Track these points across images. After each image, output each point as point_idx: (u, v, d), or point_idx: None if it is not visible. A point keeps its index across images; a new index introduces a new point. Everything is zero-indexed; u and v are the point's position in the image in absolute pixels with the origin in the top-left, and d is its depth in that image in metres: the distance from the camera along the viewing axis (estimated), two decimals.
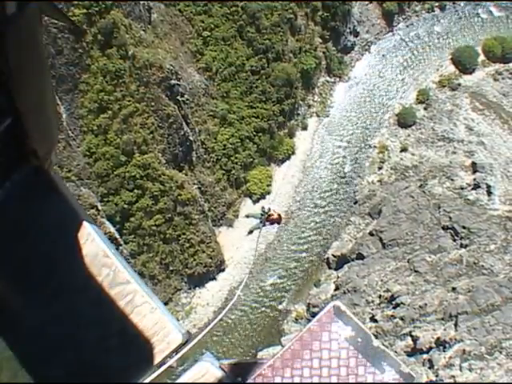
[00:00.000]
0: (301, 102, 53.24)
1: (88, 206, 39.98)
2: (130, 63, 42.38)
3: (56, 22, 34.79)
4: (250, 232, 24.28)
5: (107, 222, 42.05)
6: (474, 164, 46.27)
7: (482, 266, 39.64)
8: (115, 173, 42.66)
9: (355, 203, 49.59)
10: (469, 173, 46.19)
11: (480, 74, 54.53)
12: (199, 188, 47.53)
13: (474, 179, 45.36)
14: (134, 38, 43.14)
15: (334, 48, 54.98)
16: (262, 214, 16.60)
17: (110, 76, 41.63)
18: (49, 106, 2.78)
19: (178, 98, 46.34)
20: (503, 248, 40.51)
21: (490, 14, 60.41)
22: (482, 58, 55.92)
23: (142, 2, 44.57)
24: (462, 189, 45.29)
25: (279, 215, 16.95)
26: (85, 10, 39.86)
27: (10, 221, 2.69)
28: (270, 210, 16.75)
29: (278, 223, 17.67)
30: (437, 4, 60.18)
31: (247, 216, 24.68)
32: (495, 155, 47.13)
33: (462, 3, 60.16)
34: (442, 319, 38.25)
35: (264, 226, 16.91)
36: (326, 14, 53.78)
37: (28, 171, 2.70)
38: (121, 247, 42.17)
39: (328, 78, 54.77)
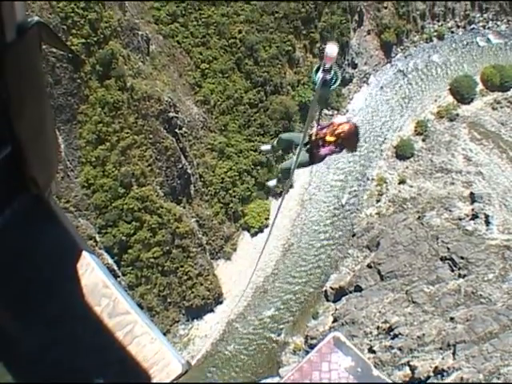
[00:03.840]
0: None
1: (86, 237, 42.44)
2: (129, 95, 45.44)
3: (55, 51, 37.99)
4: (279, 182, 14.99)
5: (105, 254, 44.62)
6: (472, 194, 49.78)
7: (480, 295, 42.03)
8: (113, 205, 45.45)
9: (353, 236, 52.37)
10: (467, 203, 49.71)
11: (478, 104, 58.04)
12: (197, 221, 50.19)
13: (473, 209, 48.63)
14: (133, 70, 46.35)
15: None
16: (306, 144, 10.72)
17: (108, 107, 44.56)
18: (49, 134, 2.89)
19: (176, 130, 49.46)
20: (501, 277, 43.06)
21: (488, 42, 64.60)
22: (480, 87, 59.76)
23: (140, 34, 47.81)
24: (461, 219, 48.48)
25: (353, 126, 10.83)
26: (83, 40, 42.80)
27: (10, 248, 2.76)
28: (320, 129, 10.76)
29: (353, 149, 11.65)
30: (435, 34, 64.09)
31: (261, 152, 18.11)
32: (493, 185, 50.89)
33: (460, 32, 64.40)
34: (440, 348, 40.40)
35: (312, 163, 11.07)
36: (324, 46, 56.60)
37: (28, 199, 2.78)
38: (119, 279, 44.57)
39: (326, 111, 56.79)
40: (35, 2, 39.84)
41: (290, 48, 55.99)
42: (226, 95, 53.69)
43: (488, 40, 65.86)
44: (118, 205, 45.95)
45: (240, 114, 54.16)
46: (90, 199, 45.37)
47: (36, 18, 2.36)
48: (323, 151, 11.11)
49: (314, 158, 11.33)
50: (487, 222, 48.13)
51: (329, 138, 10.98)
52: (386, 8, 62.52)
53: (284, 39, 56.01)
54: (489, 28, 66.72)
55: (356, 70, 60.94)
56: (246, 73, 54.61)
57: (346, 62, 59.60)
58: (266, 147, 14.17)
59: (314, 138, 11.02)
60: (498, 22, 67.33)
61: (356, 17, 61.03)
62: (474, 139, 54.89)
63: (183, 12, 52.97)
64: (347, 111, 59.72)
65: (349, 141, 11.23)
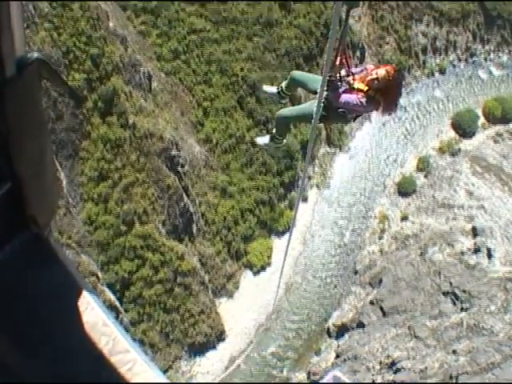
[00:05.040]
0: (301, 174, 58.81)
1: (88, 274, 44.22)
2: (131, 132, 47.22)
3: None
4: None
5: (107, 290, 46.31)
6: (474, 228, 52.78)
7: (482, 327, 44.71)
8: (115, 242, 47.26)
9: (356, 273, 55.49)
10: (469, 237, 52.63)
11: (480, 137, 61.97)
12: (199, 259, 52.47)
13: (475, 243, 51.58)
14: (135, 107, 48.03)
15: None
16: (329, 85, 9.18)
17: (110, 144, 46.14)
18: (49, 172, 2.96)
19: (179, 169, 51.41)
20: (503, 308, 45.69)
21: (490, 74, 68.88)
22: (482, 120, 63.73)
23: (142, 70, 49.83)
24: (463, 254, 51.41)
25: (392, 70, 9.30)
26: (85, 75, 44.52)
27: (8, 285, 2.80)
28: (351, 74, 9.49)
29: (389, 107, 9.59)
30: (437, 68, 67.98)
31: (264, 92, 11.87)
32: (495, 218, 53.80)
33: (462, 65, 68.62)
34: (443, 380, 42.69)
35: (323, 119, 9.51)
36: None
37: (27, 237, 2.83)
38: (121, 315, 46.44)
39: (328, 149, 61.18)
40: (37, 35, 41.20)
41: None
42: (228, 134, 55.92)
43: (490, 72, 69.95)
44: (120, 242, 47.68)
45: (242, 152, 56.41)
46: (92, 236, 46.93)
47: (36, 54, 2.43)
48: (344, 97, 9.27)
49: (328, 110, 9.24)
50: (489, 255, 51.03)
51: (357, 85, 9.32)
52: (387, 44, 66.22)
53: (286, 76, 56.95)
54: (490, 60, 70.90)
55: None
56: (248, 111, 56.99)
57: None
58: (270, 89, 11.54)
59: (335, 76, 9.12)
60: (500, 53, 71.61)
61: (358, 53, 64.04)
62: (475, 173, 58.33)
63: (185, 49, 55.28)
64: (349, 149, 62.75)
65: (385, 93, 9.32)
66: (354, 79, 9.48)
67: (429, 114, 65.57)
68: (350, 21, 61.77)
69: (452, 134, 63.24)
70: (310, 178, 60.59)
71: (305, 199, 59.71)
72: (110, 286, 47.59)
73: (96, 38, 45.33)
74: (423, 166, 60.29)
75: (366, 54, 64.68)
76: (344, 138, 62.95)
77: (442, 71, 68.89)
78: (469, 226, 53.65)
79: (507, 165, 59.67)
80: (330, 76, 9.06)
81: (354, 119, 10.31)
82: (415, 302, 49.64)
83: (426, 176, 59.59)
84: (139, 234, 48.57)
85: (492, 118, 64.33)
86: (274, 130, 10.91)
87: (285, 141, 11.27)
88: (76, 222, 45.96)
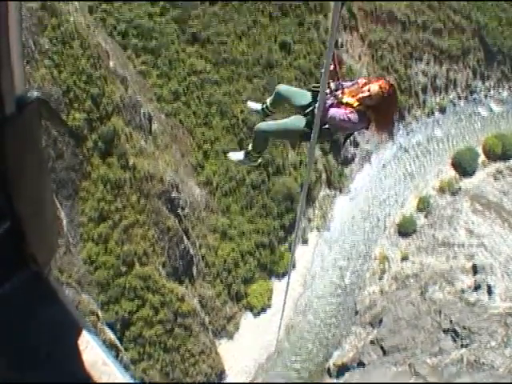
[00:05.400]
0: (301, 216, 60.01)
1: (88, 313, 44.55)
2: (131, 174, 47.81)
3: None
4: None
5: (107, 329, 46.72)
6: (474, 266, 53.94)
7: (483, 362, 45.56)
8: (116, 282, 47.86)
9: (356, 314, 56.71)
10: (469, 275, 53.70)
11: (480, 175, 63.98)
12: (200, 301, 53.07)
13: (475, 281, 52.73)
14: (135, 148, 48.79)
15: (334, 160, 62.86)
16: (307, 105, 9.03)
17: (110, 185, 46.94)
18: (49, 210, 3.04)
19: (179, 211, 52.15)
20: (503, 343, 46.61)
21: (490, 111, 70.87)
22: (482, 158, 65.76)
23: (142, 111, 50.66)
24: (463, 291, 52.49)
25: (387, 85, 8.60)
26: (85, 115, 45.24)
27: (9, 323, 2.85)
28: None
29: (384, 125, 9.10)
30: (437, 107, 69.72)
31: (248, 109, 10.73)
32: (495, 255, 54.89)
33: (462, 103, 70.57)
34: None
35: (308, 135, 7.91)
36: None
37: (27, 275, 2.86)
38: (121, 354, 46.85)
39: (328, 191, 62.42)
40: (37, 71, 42.03)
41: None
42: (229, 177, 56.84)
43: (490, 109, 71.86)
44: (120, 282, 48.28)
45: (242, 195, 57.26)
46: (92, 275, 47.63)
47: (36, 93, 2.49)
48: (331, 112, 8.60)
49: (313, 126, 7.11)
50: (489, 292, 52.18)
51: (347, 99, 8.70)
52: None
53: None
54: (491, 96, 72.84)
55: (358, 149, 65.56)
56: None
57: (348, 141, 62.60)
58: (254, 105, 10.83)
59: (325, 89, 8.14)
60: (500, 89, 73.63)
61: None
62: (476, 211, 59.89)
63: (185, 90, 56.41)
64: (349, 191, 64.13)
65: (379, 110, 8.61)
66: (343, 93, 8.86)
67: (429, 153, 67.37)
68: (350, 61, 64.25)
69: (452, 173, 65.11)
70: (310, 220, 61.87)
71: (305, 241, 60.93)
72: (110, 326, 47.91)
73: (96, 78, 46.36)
74: (423, 205, 62.05)
75: None
76: (344, 180, 64.28)
77: (442, 110, 70.63)
78: (469, 264, 54.81)
79: (507, 201, 61.42)
80: (317, 87, 8.66)
81: (345, 140, 9.93)
82: (415, 340, 50.47)
83: (426, 216, 61.11)
84: (139, 275, 49.10)
85: (492, 155, 66.31)
86: (250, 146, 9.95)
87: (260, 159, 10.34)
88: (76, 261, 46.46)
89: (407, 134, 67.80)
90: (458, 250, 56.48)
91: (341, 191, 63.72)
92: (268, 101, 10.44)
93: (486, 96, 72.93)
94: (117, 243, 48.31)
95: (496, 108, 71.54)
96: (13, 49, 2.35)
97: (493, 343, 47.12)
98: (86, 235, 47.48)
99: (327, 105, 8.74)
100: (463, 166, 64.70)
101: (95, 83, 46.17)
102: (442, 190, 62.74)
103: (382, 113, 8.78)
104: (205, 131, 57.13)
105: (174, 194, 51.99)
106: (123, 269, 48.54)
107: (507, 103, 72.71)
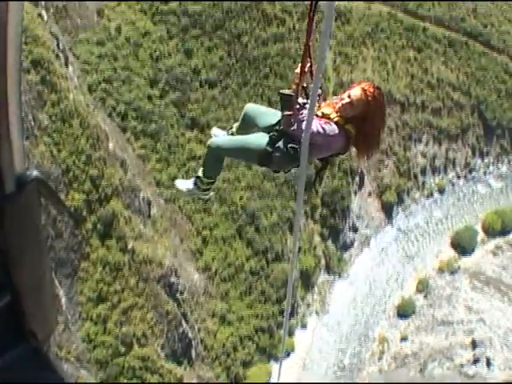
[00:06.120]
0: (300, 302, 61.82)
1: None
2: (130, 257, 49.47)
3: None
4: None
5: None
6: (473, 341, 56.02)
7: None
8: (114, 361, 49.07)
9: None
10: (468, 350, 56.11)
11: (479, 253, 67.22)
12: (199, 382, 54.55)
13: (474, 355, 54.86)
14: (134, 232, 50.40)
15: (333, 245, 65.24)
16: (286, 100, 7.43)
17: (109, 267, 48.15)
18: (48, 288, 3.11)
19: (178, 295, 53.98)
20: None
21: (489, 187, 73.74)
22: (481, 235, 68.81)
23: (141, 196, 52.77)
24: (462, 365, 54.69)
25: (371, 90, 7.62)
26: (85, 196, 46.35)
27: None
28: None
29: (368, 146, 8.23)
30: (436, 188, 72.44)
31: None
32: (495, 328, 57.31)
33: (461, 182, 73.44)
34: None
35: (271, 158, 7.82)
36: (325, 212, 64.35)
37: (27, 350, 2.90)
38: None
39: (327, 276, 64.66)
40: (37, 148, 43.11)
41: (290, 214, 61.62)
42: (228, 263, 58.86)
43: (489, 185, 74.53)
44: (119, 362, 49.42)
45: (241, 281, 59.13)
46: (91, 353, 48.69)
47: (35, 173, 2.57)
48: (302, 125, 7.13)
49: (275, 145, 7.70)
50: (488, 364, 53.63)
51: (324, 110, 7.82)
52: (386, 167, 70.73)
53: (285, 205, 62.01)
54: (490, 173, 75.43)
55: (357, 233, 68.06)
56: (247, 240, 60.07)
57: (347, 227, 67.04)
58: (219, 132, 9.50)
59: (296, 93, 7.31)
60: (499, 164, 76.25)
61: (357, 179, 68.35)
62: (475, 288, 63.38)
63: (184, 176, 55.44)
64: (348, 275, 66.49)
65: (363, 120, 7.68)
66: (319, 104, 7.81)
67: (428, 235, 70.23)
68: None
69: (451, 252, 68.17)
70: (308, 305, 63.80)
71: (304, 326, 62.88)
72: None
73: (96, 159, 48.12)
74: (423, 287, 65.11)
75: (365, 179, 69.40)
76: (343, 265, 66.55)
77: (441, 191, 73.15)
78: (468, 339, 57.35)
79: (506, 275, 64.77)
80: (290, 95, 7.29)
81: (317, 175, 9.24)
82: None
83: (425, 296, 63.86)
84: (138, 356, 50.41)
85: (491, 232, 69.34)
86: (200, 170, 8.75)
87: (211, 192, 9.22)
88: (75, 339, 47.58)
89: (406, 217, 70.70)
90: (457, 326, 58.69)
91: (340, 276, 66.04)
92: (235, 126, 9.14)
93: (485, 173, 75.79)
94: (115, 324, 49.61)
95: (495, 184, 74.84)
96: (12, 123, 2.44)
97: None
98: (85, 314, 48.63)
99: (300, 117, 7.30)
100: (462, 245, 67.93)
101: (94, 165, 47.97)
102: (441, 270, 65.60)
103: (367, 125, 7.66)
104: (204, 217, 59.32)
105: (172, 279, 53.71)
106: (122, 349, 49.76)
107: (506, 178, 75.79)
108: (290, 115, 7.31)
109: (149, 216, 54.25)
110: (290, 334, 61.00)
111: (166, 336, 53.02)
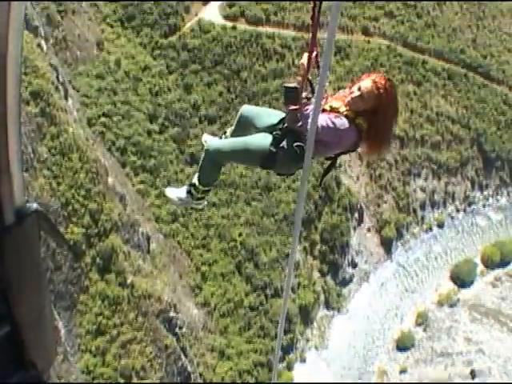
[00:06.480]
0: (299, 336, 62.85)
1: None
2: (129, 292, 50.17)
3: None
4: None
5: None
6: (472, 371, 57.01)
7: None
8: None
9: None
10: (468, 380, 56.65)
11: (479, 285, 69.14)
12: None
13: None
14: (133, 266, 51.37)
15: (332, 281, 66.40)
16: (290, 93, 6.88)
17: (108, 301, 48.81)
18: (47, 320, 3.14)
19: (177, 330, 54.89)
20: None
21: (488, 220, 75.67)
22: (481, 268, 70.70)
23: (140, 231, 53.81)
24: None
25: (382, 81, 7.20)
26: (84, 230, 47.30)
27: None
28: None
29: (379, 144, 7.48)
30: (435, 222, 73.89)
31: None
32: (494, 358, 58.89)
33: (461, 215, 75.46)
34: None
35: (274, 159, 7.35)
36: (324, 248, 65.55)
37: (27, 379, 2.89)
38: None
39: (326, 312, 65.94)
40: (36, 181, 43.71)
41: (289, 251, 59.19)
42: (227, 298, 60.13)
43: (488, 218, 76.27)
44: None
45: (240, 316, 60.30)
46: None
47: (35, 205, 2.62)
48: (308, 120, 6.47)
49: (280, 145, 7.28)
50: None
51: (333, 103, 7.38)
52: (385, 202, 72.35)
53: (284, 242, 63.10)
54: (489, 205, 77.33)
55: (356, 269, 69.44)
56: (246, 276, 61.34)
57: (346, 262, 68.47)
58: (211, 139, 8.73)
59: (301, 87, 6.86)
60: (498, 197, 78.26)
61: (356, 214, 69.80)
62: (474, 320, 65.60)
63: (183, 212, 60.33)
64: (348, 311, 67.60)
65: (374, 114, 7.23)
66: (326, 98, 7.44)
67: (427, 269, 71.99)
68: (349, 181, 68.00)
69: (451, 285, 70.12)
70: (308, 340, 65.03)
71: (303, 360, 64.17)
72: None
73: (95, 193, 49.26)
74: (422, 320, 66.97)
75: (365, 215, 70.98)
76: (342, 300, 67.85)
77: (441, 225, 74.92)
78: (468, 370, 57.68)
79: (505, 306, 66.77)
80: (295, 88, 6.78)
81: (326, 173, 8.05)
82: None
83: (424, 329, 65.57)
84: None
85: (490, 264, 71.14)
86: (195, 177, 8.27)
87: (205, 202, 8.73)
88: (74, 370, 47.81)
89: (405, 252, 72.41)
90: (457, 357, 59.98)
91: (339, 311, 67.43)
92: (228, 131, 8.60)
93: (484, 205, 77.63)
94: (114, 357, 50.37)
95: (494, 216, 76.71)
96: (12, 155, 2.49)
97: None
98: (84, 346, 49.31)
99: (306, 112, 6.88)
100: (461, 278, 69.76)
101: (94, 199, 49.04)
102: (440, 304, 66.15)
103: (379, 119, 7.20)
104: (203, 253, 60.81)
105: (171, 314, 54.64)
106: (121, 381, 50.44)
107: (505, 210, 77.58)
108: (295, 110, 6.84)
109: (148, 251, 55.44)
110: (289, 368, 62.45)
111: (165, 370, 53.73)
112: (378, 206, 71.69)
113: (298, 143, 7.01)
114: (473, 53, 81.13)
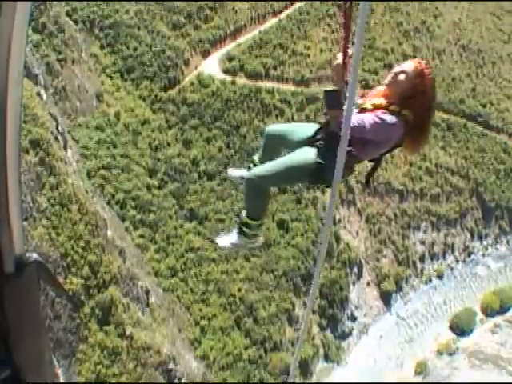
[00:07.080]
0: None
1: None
2: (128, 343, 49.51)
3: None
4: None
5: None
6: None
7: None
8: None
9: None
10: None
11: (478, 333, 71.29)
12: None
13: None
14: (132, 319, 50.98)
15: (331, 335, 67.87)
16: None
17: (107, 351, 47.94)
18: (47, 365, 3.18)
19: (176, 381, 54.72)
20: None
21: (488, 269, 77.76)
22: (480, 316, 72.54)
23: (140, 284, 54.90)
24: None
25: (422, 65, 7.22)
26: (83, 281, 47.03)
27: None
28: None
29: (422, 131, 7.46)
30: (434, 273, 75.67)
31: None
32: None
33: (460, 266, 77.44)
34: None
35: (322, 168, 6.99)
36: (323, 302, 66.93)
37: None
38: None
39: (326, 365, 67.21)
40: (35, 230, 43.61)
41: (289, 306, 64.48)
42: (226, 352, 61.23)
43: (488, 267, 78.14)
44: None
45: (239, 370, 61.08)
46: None
47: (35, 255, 2.68)
48: (358, 119, 6.81)
49: (328, 155, 6.85)
50: None
51: (374, 101, 7.22)
52: (385, 257, 74.30)
53: (283, 297, 64.44)
54: (488, 254, 79.17)
55: (355, 322, 71.17)
56: (245, 331, 62.55)
57: (346, 316, 70.26)
58: (237, 173, 9.22)
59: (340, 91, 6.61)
60: (498, 245, 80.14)
61: (355, 269, 71.62)
62: (473, 366, 67.40)
63: (183, 267, 62.33)
64: (347, 363, 69.31)
65: (418, 101, 7.17)
66: (364, 97, 7.50)
67: (426, 319, 73.97)
68: (348, 237, 69.56)
69: (450, 334, 71.99)
70: None
71: None
72: None
73: (94, 245, 49.44)
74: (421, 369, 69.09)
75: (364, 269, 72.95)
76: (341, 353, 69.41)
77: (440, 276, 76.85)
78: None
79: (504, 350, 68.70)
80: (336, 91, 6.56)
81: (371, 173, 7.89)
82: None
83: (423, 378, 66.97)
84: None
85: (490, 312, 72.90)
86: (243, 214, 8.00)
87: (261, 238, 8.34)
88: None
89: (405, 304, 74.49)
90: None
91: (338, 364, 68.95)
92: (256, 157, 8.47)
93: (483, 255, 79.54)
94: None
95: (494, 265, 78.79)
96: (12, 204, 2.53)
97: None
98: None
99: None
100: (461, 327, 71.81)
101: (93, 251, 49.23)
102: (439, 353, 67.76)
103: (421, 104, 7.21)
104: (202, 308, 62.22)
105: (171, 365, 55.07)
106: None
107: (504, 258, 79.29)
108: (339, 114, 6.07)
109: (147, 304, 56.35)
110: None
111: None
112: (378, 260, 73.26)
113: (349, 148, 6.34)
114: (472, 102, 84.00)
